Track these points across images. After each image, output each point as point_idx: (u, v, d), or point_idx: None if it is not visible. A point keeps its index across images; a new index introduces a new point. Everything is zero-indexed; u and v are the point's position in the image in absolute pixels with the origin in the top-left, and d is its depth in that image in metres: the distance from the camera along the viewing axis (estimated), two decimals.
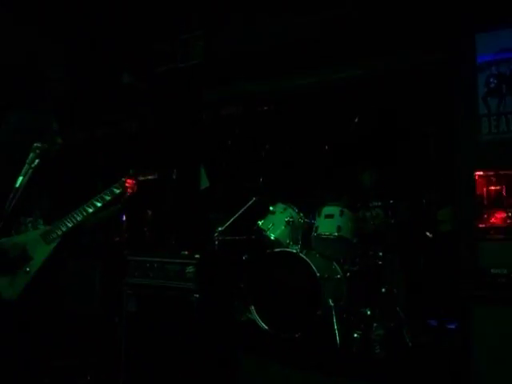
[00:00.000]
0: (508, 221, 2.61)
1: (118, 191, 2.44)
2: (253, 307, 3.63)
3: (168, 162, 4.81)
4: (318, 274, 3.43)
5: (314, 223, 3.85)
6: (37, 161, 2.28)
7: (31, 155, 2.27)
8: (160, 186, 4.78)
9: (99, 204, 2.38)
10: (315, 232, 3.76)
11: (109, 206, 2.44)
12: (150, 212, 4.77)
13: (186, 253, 3.31)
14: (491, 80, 3.84)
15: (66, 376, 3.31)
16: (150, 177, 2.55)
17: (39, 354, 2.30)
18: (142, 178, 2.52)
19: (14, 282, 2.18)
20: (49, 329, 2.35)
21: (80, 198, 2.41)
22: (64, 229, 2.31)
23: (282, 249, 3.71)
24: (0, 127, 2.39)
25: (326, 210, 3.81)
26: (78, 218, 2.33)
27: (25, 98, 4.56)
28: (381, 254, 3.73)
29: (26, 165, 2.26)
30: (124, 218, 5.31)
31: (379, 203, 3.92)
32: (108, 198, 2.40)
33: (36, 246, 2.26)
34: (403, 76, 4.49)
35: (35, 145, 2.29)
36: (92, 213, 2.36)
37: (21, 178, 2.23)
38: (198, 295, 3.12)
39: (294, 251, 3.61)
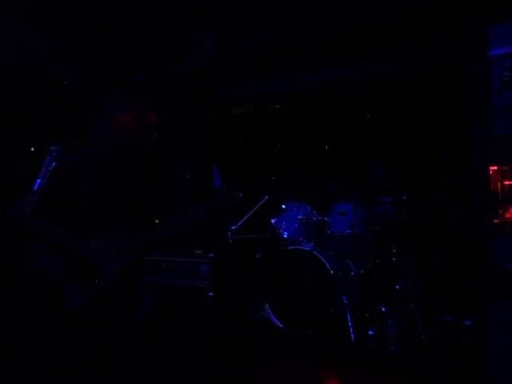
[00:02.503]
0: None
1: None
2: (267, 305, 3.65)
3: (181, 162, 4.85)
4: (331, 272, 3.43)
5: (327, 221, 3.85)
6: (54, 164, 2.32)
7: (48, 158, 2.31)
8: (173, 186, 4.84)
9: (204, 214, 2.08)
10: (328, 229, 3.76)
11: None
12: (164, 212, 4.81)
13: (200, 252, 3.34)
14: (505, 73, 3.79)
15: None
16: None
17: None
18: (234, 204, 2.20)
19: (79, 291, 1.98)
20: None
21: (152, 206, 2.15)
22: (147, 241, 2.04)
23: (296, 247, 3.72)
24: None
25: (339, 207, 3.81)
26: (169, 230, 2.06)
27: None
28: (394, 250, 3.72)
29: (43, 168, 2.29)
30: None
31: (390, 199, 3.90)
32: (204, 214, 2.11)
33: (110, 257, 2.01)
34: (416, 71, 4.46)
35: (52, 148, 2.33)
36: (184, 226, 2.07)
37: (39, 181, 2.27)
38: (212, 294, 3.15)
39: (308, 249, 3.63)
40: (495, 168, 2.68)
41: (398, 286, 3.59)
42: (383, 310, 3.50)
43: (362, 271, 3.79)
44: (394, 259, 3.72)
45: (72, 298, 1.96)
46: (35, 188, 2.25)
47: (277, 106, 5.40)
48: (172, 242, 2.12)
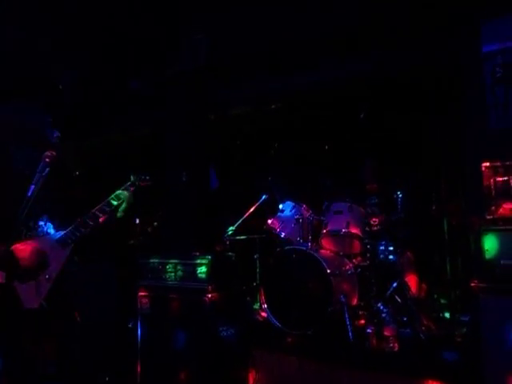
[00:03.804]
0: None
1: (124, 195, 2.49)
2: (266, 305, 3.67)
3: (178, 164, 4.87)
4: (328, 271, 3.44)
5: (323, 220, 3.87)
6: (47, 169, 2.35)
7: (42, 164, 2.34)
8: (170, 188, 4.85)
9: (108, 209, 2.43)
10: (325, 229, 3.77)
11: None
12: (160, 214, 4.83)
13: (198, 253, 3.35)
14: (497, 69, 3.80)
15: (85, 377, 3.38)
16: (147, 183, 2.61)
17: (62, 357, 2.36)
18: (142, 184, 2.57)
19: (36, 290, 2.23)
20: (70, 332, 2.41)
21: (87, 203, 2.47)
22: (78, 234, 2.36)
23: (293, 247, 3.74)
24: None
25: (335, 206, 3.82)
26: (91, 223, 2.39)
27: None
28: (391, 248, 3.74)
29: (37, 173, 2.32)
30: (137, 221, 5.39)
31: (376, 200, 3.92)
32: (115, 203, 2.45)
33: (52, 252, 2.30)
34: (409, 68, 4.47)
35: (45, 153, 2.35)
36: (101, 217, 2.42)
37: (32, 187, 2.30)
38: (210, 295, 3.17)
39: (304, 248, 3.64)
40: (487, 164, 2.69)
41: (395, 284, 3.61)
42: (381, 307, 3.52)
43: (359, 269, 3.81)
44: (390, 257, 3.74)
45: (30, 298, 2.21)
46: (29, 194, 2.28)
47: (273, 106, 5.41)
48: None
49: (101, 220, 2.42)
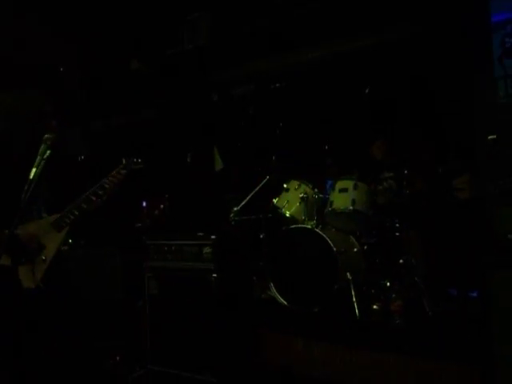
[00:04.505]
0: None
1: (116, 178, 2.54)
2: (272, 284, 3.67)
3: (182, 146, 4.85)
4: (334, 249, 3.43)
5: (328, 198, 3.84)
6: (48, 152, 2.34)
7: (43, 146, 2.33)
8: (176, 169, 4.84)
9: (101, 192, 2.48)
10: (330, 207, 3.74)
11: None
12: (167, 196, 4.84)
13: (203, 234, 3.35)
14: (507, 40, 3.69)
15: (95, 358, 3.44)
16: (139, 166, 2.63)
17: (64, 338, 2.42)
18: (134, 167, 2.60)
19: (33, 270, 2.30)
20: (71, 312, 2.47)
21: (86, 186, 2.50)
22: (72, 217, 2.43)
23: (298, 225, 3.72)
24: None
25: (340, 183, 3.78)
26: (84, 206, 2.44)
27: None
28: (398, 225, 3.70)
29: (39, 156, 2.32)
30: (144, 204, 5.41)
31: (391, 174, 3.86)
32: (107, 186, 2.50)
33: (48, 235, 2.38)
34: (415, 41, 4.36)
35: (46, 136, 2.34)
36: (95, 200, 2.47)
37: (34, 170, 2.29)
38: (216, 275, 3.18)
39: (310, 227, 3.62)
40: (495, 137, 2.63)
41: (401, 260, 3.58)
42: (388, 284, 3.50)
43: (365, 247, 3.79)
44: (397, 234, 3.70)
45: (27, 279, 2.30)
46: (31, 177, 2.28)
47: (277, 85, 5.33)
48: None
49: (94, 203, 2.47)
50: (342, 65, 4.78)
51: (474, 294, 3.48)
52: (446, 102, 3.97)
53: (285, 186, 3.99)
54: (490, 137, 2.54)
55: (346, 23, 4.53)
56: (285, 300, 3.61)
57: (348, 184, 3.72)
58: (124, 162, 2.56)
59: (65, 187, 2.58)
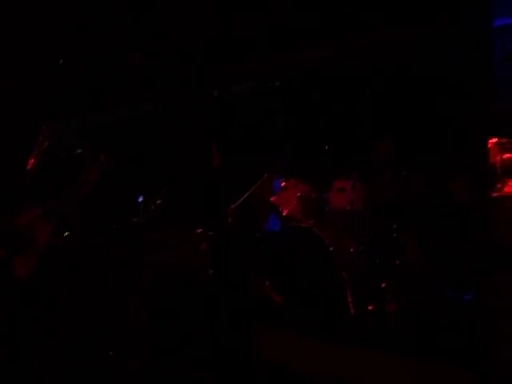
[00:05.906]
0: None
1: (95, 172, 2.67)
2: (267, 282, 3.67)
3: (180, 141, 4.83)
4: (330, 249, 3.43)
5: (326, 197, 3.84)
6: (46, 143, 2.34)
7: (40, 138, 2.33)
8: (173, 165, 4.82)
9: (84, 185, 2.59)
10: (327, 206, 3.75)
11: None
12: (164, 192, 4.81)
13: (200, 230, 3.35)
14: (508, 44, 3.71)
15: (89, 353, 3.43)
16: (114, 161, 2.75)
17: (56, 329, 2.44)
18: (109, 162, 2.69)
19: (25, 261, 2.34)
20: (62, 306, 2.49)
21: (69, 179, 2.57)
22: (59, 209, 2.52)
23: (295, 224, 3.72)
24: None
25: (338, 183, 3.79)
26: (70, 198, 2.55)
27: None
28: (395, 226, 3.70)
29: (37, 147, 2.32)
30: (140, 199, 5.39)
31: (390, 175, 3.86)
32: (86, 180, 2.63)
33: (38, 226, 2.44)
34: (417, 41, 4.35)
35: (44, 127, 2.34)
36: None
37: (32, 161, 2.29)
38: (212, 271, 3.18)
39: (307, 226, 3.62)
40: (494, 141, 2.64)
41: (397, 262, 3.59)
42: (383, 285, 3.51)
43: (361, 247, 3.79)
44: (394, 235, 3.71)
45: (18, 269, 2.35)
46: (30, 167, 2.28)
47: (277, 83, 5.32)
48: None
49: (79, 195, 2.57)
50: (341, 65, 4.78)
51: (470, 297, 3.49)
52: (446, 104, 3.97)
53: (283, 184, 3.99)
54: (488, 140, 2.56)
55: (346, 23, 4.51)
56: (280, 298, 3.61)
57: (347, 184, 3.73)
58: (101, 157, 2.68)
59: (59, 179, 2.63)
